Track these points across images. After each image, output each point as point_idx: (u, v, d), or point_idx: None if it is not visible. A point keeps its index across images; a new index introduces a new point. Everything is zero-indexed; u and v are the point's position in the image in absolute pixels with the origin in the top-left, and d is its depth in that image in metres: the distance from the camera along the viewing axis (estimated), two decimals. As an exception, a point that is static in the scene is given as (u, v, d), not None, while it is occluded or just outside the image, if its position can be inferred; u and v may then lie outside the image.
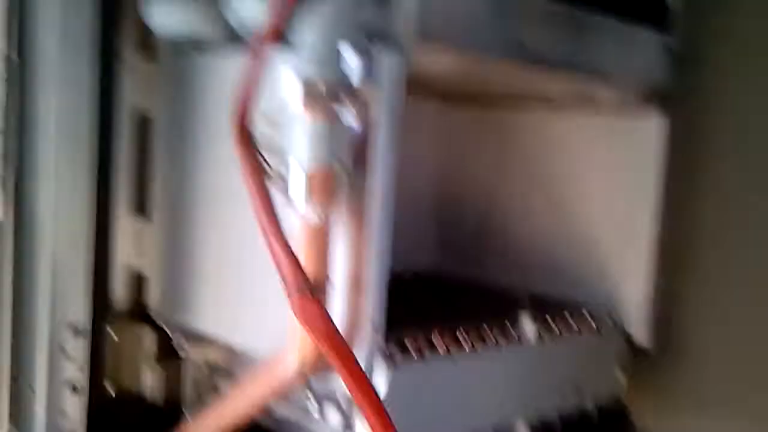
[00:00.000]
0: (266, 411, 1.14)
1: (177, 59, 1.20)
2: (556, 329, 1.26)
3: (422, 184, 1.70)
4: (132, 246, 1.28)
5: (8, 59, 1.11)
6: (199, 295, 1.19)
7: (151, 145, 1.26)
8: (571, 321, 1.30)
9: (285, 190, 0.94)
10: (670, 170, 1.41)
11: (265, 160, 0.97)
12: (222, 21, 1.08)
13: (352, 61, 0.93)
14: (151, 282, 1.27)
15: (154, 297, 1.26)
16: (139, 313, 1.27)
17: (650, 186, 1.41)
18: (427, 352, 1.07)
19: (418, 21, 0.99)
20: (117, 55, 1.22)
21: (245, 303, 1.11)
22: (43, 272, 1.16)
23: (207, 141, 1.17)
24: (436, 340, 1.10)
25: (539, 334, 1.22)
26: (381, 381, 0.99)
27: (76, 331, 1.19)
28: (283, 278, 0.91)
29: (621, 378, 1.38)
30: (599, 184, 1.48)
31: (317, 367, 0.95)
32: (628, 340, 1.40)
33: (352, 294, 0.97)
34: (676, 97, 1.41)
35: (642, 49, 1.35)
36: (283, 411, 1.13)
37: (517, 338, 1.20)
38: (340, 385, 0.93)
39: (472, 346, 1.13)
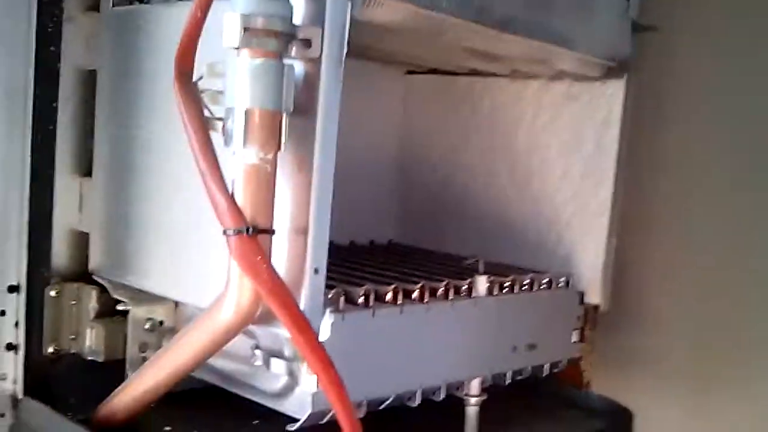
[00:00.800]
0: (213, 368, 1.11)
1: (120, 9, 1.17)
2: (508, 286, 1.24)
3: (383, 154, 1.68)
4: (74, 205, 1.24)
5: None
6: (142, 253, 1.15)
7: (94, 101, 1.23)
8: (525, 280, 1.28)
9: (225, 132, 0.91)
10: (628, 136, 1.41)
11: (206, 106, 0.95)
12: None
13: (294, -3, 0.90)
14: (93, 241, 1.23)
15: (95, 256, 1.23)
16: (82, 273, 1.24)
17: (609, 151, 1.40)
18: (374, 302, 1.05)
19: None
20: (59, 8, 1.18)
21: (190, 257, 1.08)
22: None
23: (151, 94, 1.13)
24: (384, 291, 1.07)
25: (491, 289, 1.19)
26: (324, 326, 0.97)
27: (11, 289, 1.15)
28: (219, 217, 0.88)
29: (576, 339, 1.37)
30: (559, 150, 1.47)
31: (254, 311, 0.92)
32: (584, 302, 1.39)
33: (293, 239, 0.94)
34: (635, 64, 1.40)
35: (603, 17, 1.34)
36: (229, 366, 1.10)
37: (468, 293, 1.17)
38: (283, 332, 0.91)
39: (422, 299, 1.10)
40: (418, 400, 1.11)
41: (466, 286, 1.17)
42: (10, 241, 1.16)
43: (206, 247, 1.03)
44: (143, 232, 1.15)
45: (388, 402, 1.07)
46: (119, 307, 1.17)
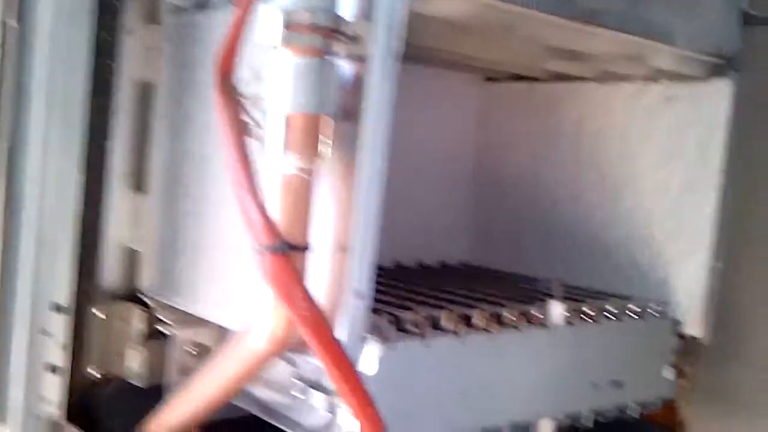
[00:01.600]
0: (253, 398, 1.02)
1: (179, 18, 1.10)
2: (590, 315, 1.09)
3: (458, 167, 1.57)
4: (126, 222, 1.18)
5: (4, 25, 1.05)
6: (189, 274, 1.08)
7: (152, 114, 1.17)
8: (610, 308, 1.13)
9: (263, 139, 0.83)
10: (736, 143, 1.24)
11: (247, 113, 0.86)
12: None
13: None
14: (145, 259, 1.16)
15: (146, 275, 1.16)
16: (129, 292, 1.17)
17: (713, 161, 1.24)
18: (428, 330, 0.93)
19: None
20: (118, 21, 1.14)
21: (234, 280, 1.00)
22: (25, 247, 1.08)
23: (205, 108, 1.06)
24: (444, 318, 0.95)
25: (568, 319, 1.06)
26: (371, 358, 0.86)
27: (59, 309, 1.10)
28: (251, 233, 0.79)
29: (670, 375, 1.20)
30: (654, 161, 1.31)
31: (289, 338, 0.82)
32: (681, 333, 1.23)
33: (335, 258, 0.84)
34: (745, 60, 1.24)
35: (707, 6, 1.18)
36: (269, 395, 1.00)
37: (541, 322, 1.04)
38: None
39: (486, 327, 0.98)
40: (479, 443, 0.98)
41: (539, 313, 1.04)
42: (58, 256, 1.11)
43: (250, 269, 0.93)
44: (192, 251, 1.08)
45: (444, 444, 0.95)
46: (161, 329, 1.09)
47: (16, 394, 1.09)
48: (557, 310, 1.05)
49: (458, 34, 1.12)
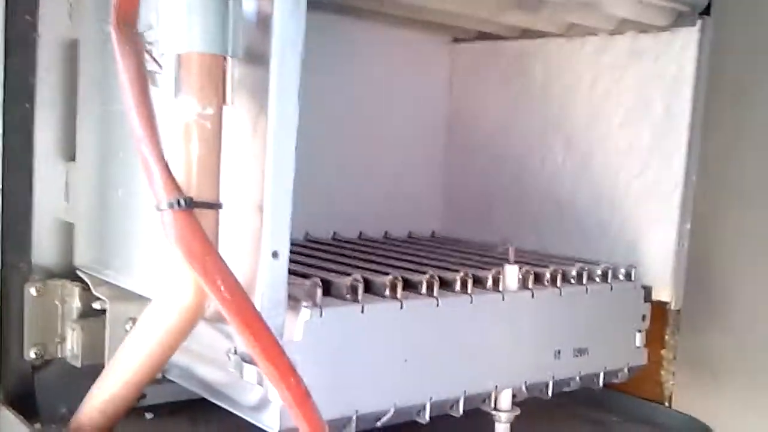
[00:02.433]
0: (195, 376, 0.96)
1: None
2: (551, 280, 1.02)
3: (427, 133, 1.49)
4: (60, 193, 1.12)
5: None
6: (121, 246, 1.01)
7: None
8: (572, 273, 1.05)
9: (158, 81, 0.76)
10: (707, 97, 1.16)
11: (154, 59, 0.79)
12: None
13: None
14: (77, 232, 1.10)
15: (79, 249, 1.10)
16: (67, 269, 1.11)
17: (680, 117, 1.16)
18: (364, 296, 0.86)
19: None
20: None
21: (164, 252, 0.93)
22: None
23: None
24: (381, 283, 0.88)
25: (526, 283, 0.98)
26: (297, 324, 0.79)
27: (-16, 288, 1.04)
28: (151, 189, 0.72)
29: (640, 342, 1.13)
30: (621, 120, 1.23)
31: (201, 306, 0.75)
32: (651, 299, 1.15)
33: (253, 219, 0.77)
34: (717, 7, 1.15)
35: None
36: (211, 374, 0.94)
37: (493, 286, 0.97)
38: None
39: (430, 291, 0.91)
40: (428, 416, 0.91)
41: (491, 278, 0.96)
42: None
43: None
44: (122, 222, 1.01)
45: (386, 418, 0.88)
46: (94, 306, 1.03)
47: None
48: (512, 274, 0.97)
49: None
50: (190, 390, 0.98)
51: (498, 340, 0.97)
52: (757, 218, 1.18)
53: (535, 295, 0.99)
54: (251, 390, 0.86)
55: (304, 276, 0.86)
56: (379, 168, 1.43)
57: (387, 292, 0.88)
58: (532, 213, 1.35)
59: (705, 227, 1.19)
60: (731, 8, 1.17)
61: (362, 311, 0.84)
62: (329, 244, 1.25)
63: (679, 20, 1.14)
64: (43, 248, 1.11)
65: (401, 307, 0.87)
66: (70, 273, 1.11)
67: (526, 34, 1.34)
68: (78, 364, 1.06)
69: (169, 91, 0.73)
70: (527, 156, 1.36)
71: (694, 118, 1.15)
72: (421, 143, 1.49)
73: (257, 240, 0.76)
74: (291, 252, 0.77)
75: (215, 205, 0.74)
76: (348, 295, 0.86)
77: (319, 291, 0.82)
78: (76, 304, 1.08)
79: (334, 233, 1.35)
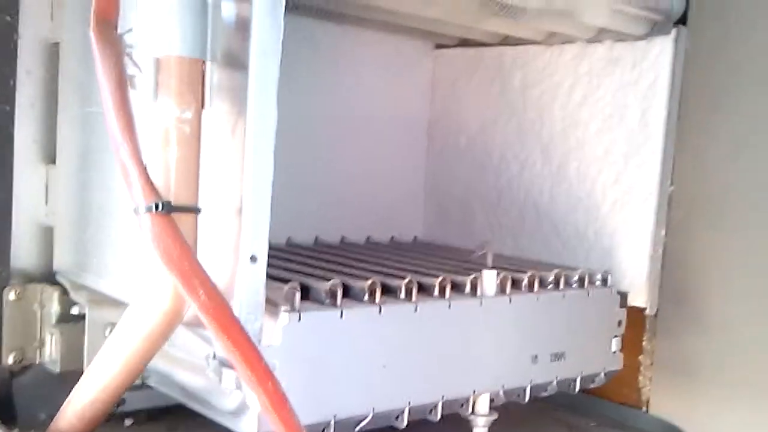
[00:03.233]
0: (176, 382, 0.96)
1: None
2: (528, 285, 1.03)
3: (410, 138, 1.51)
4: (39, 197, 1.11)
5: None
6: (99, 250, 1.01)
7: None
8: (549, 278, 1.07)
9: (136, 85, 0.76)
10: (683, 106, 1.18)
11: (135, 63, 0.79)
12: None
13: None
14: (57, 236, 1.10)
15: (59, 253, 1.09)
16: (47, 273, 1.11)
17: (655, 125, 1.18)
18: (343, 300, 0.87)
19: None
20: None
21: (142, 256, 0.93)
22: None
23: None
24: (360, 288, 0.89)
25: (503, 289, 0.99)
26: (275, 328, 0.79)
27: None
28: (130, 193, 0.72)
29: (616, 347, 1.14)
30: (598, 127, 1.25)
31: (179, 310, 0.75)
32: (627, 304, 1.17)
33: (232, 223, 0.77)
34: (693, 16, 1.17)
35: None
36: (190, 380, 0.94)
37: (471, 292, 0.97)
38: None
39: (409, 296, 0.91)
40: (405, 420, 0.91)
41: (469, 283, 0.97)
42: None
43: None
44: (100, 226, 1.01)
45: (365, 422, 0.88)
46: (73, 311, 1.03)
47: None
48: (490, 279, 0.98)
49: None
50: (169, 396, 0.98)
51: (476, 345, 0.97)
52: (731, 224, 1.20)
53: (512, 300, 1.00)
54: (230, 395, 0.86)
55: (284, 281, 0.86)
56: (361, 173, 1.43)
57: (366, 297, 0.89)
58: (511, 218, 1.36)
59: (680, 233, 1.20)
60: (707, 18, 1.18)
61: (341, 316, 0.85)
62: (311, 249, 1.25)
63: (655, 29, 1.17)
64: (23, 252, 1.11)
65: (380, 312, 0.88)
66: (49, 277, 1.11)
67: (507, 41, 1.36)
68: (57, 369, 1.06)
69: (148, 94, 0.73)
70: (506, 162, 1.37)
71: (669, 125, 1.16)
72: (403, 148, 1.50)
73: (236, 244, 0.76)
74: (272, 257, 0.78)
75: (194, 209, 0.75)
76: (327, 300, 0.86)
77: (298, 295, 0.82)
78: (55, 308, 1.08)
79: (316, 238, 1.35)
